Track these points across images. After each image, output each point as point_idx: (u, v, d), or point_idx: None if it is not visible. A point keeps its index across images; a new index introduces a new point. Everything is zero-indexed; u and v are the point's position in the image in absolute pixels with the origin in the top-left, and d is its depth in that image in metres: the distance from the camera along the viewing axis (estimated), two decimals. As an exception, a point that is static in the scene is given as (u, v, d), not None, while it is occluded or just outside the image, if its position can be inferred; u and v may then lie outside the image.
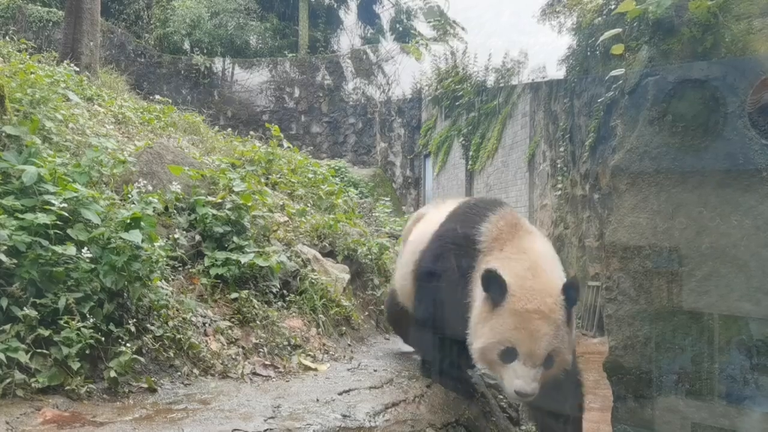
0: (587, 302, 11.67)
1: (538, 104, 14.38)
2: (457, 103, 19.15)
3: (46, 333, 3.50)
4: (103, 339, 3.71)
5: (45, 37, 21.53)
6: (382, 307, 6.52)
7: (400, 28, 25.86)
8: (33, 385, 3.40)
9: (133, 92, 14.84)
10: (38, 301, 3.58)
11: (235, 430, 3.30)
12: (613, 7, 11.17)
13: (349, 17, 30.36)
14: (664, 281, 3.66)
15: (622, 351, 3.90)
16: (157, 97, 10.37)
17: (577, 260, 12.34)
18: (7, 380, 3.32)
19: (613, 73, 4.73)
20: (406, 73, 24.55)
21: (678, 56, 3.80)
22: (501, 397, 5.26)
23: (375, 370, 4.86)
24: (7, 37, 8.92)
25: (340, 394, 4.14)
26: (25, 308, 3.49)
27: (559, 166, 12.97)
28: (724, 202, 3.46)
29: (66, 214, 3.83)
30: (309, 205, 7.47)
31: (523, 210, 14.84)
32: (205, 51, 25.70)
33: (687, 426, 3.64)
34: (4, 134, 4.15)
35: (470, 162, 18.14)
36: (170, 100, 10.28)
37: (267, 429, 3.39)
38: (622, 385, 3.95)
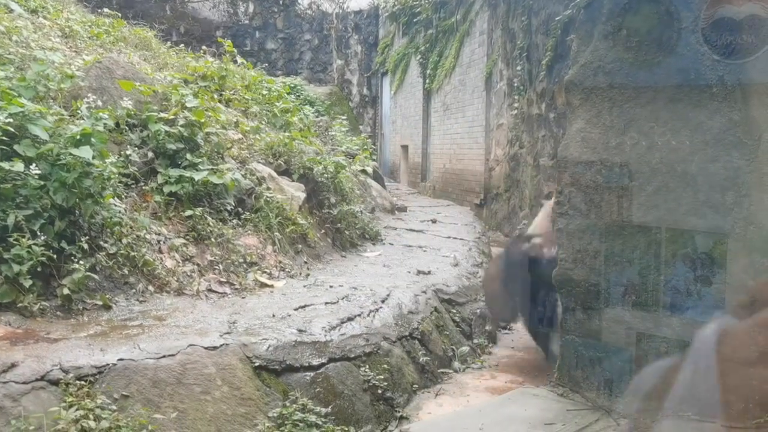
0: (541, 220, 11.83)
1: (496, 22, 14.22)
2: (415, 20, 18.83)
3: (-5, 250, 3.46)
4: (55, 257, 3.67)
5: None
6: (339, 225, 6.55)
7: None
8: (-17, 302, 3.37)
9: (80, 5, 14.34)
10: (-15, 218, 3.52)
11: (191, 345, 3.32)
12: None
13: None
14: (615, 196, 3.71)
15: (571, 264, 3.97)
16: (106, 10, 10.04)
17: (531, 179, 12.45)
18: (-44, 298, 3.29)
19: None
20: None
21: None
22: (455, 311, 5.37)
23: (331, 287, 4.91)
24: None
25: (296, 309, 4.18)
26: (-28, 225, 3.43)
27: (515, 85, 12.91)
28: (675, 117, 3.49)
29: (12, 130, 3.73)
30: (264, 122, 7.38)
31: (479, 129, 14.84)
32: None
33: (632, 335, 3.76)
34: (-57, 46, 3.99)
35: (428, 81, 17.99)
36: (120, 15, 9.97)
37: (223, 344, 3.42)
38: (571, 297, 4.03)
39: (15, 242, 3.49)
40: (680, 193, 3.50)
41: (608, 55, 3.72)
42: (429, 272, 5.79)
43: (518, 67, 12.74)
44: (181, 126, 5.08)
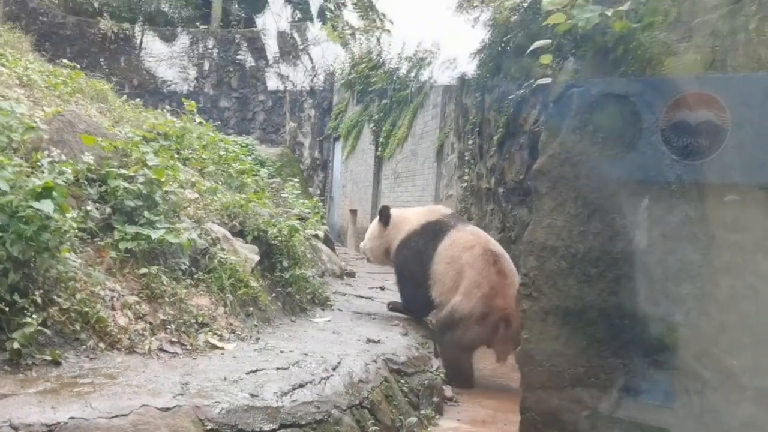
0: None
1: (450, 96, 14.58)
2: (369, 89, 19.19)
3: (-52, 301, 3.41)
4: (7, 309, 3.62)
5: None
6: (290, 289, 6.56)
7: (329, 16, 25.71)
8: (-68, 353, 3.30)
9: (37, 53, 14.29)
10: (-60, 267, 3.48)
11: (143, 405, 3.29)
12: (526, 5, 11.44)
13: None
14: (576, 281, 3.87)
15: (533, 344, 4.10)
16: (65, 61, 10.04)
17: (478, 251, 12.62)
18: None
19: (541, 81, 4.91)
20: (330, 60, 24.47)
21: (593, 65, 4.00)
22: (403, 381, 5.40)
23: (282, 352, 4.90)
24: None
25: (247, 373, 4.17)
26: (-74, 274, 3.38)
27: (466, 158, 13.19)
28: (636, 210, 3.69)
29: (-27, 180, 3.71)
30: (220, 182, 7.42)
31: (429, 199, 15.04)
32: (112, 15, 24.90)
33: (591, 416, 3.87)
34: None
35: (380, 148, 18.25)
36: (77, 65, 9.97)
37: (176, 405, 3.39)
38: (531, 376, 4.16)
39: (-32, 293, 3.44)
40: (639, 282, 3.67)
41: (575, 148, 3.92)
42: (379, 341, 5.83)
43: (470, 142, 13.04)
44: (141, 183, 5.09)
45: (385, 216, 8.06)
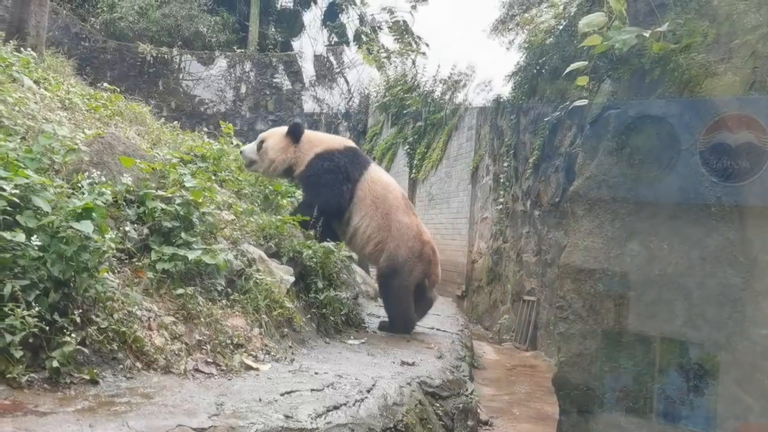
0: (522, 316, 11.88)
1: (485, 119, 14.59)
2: (404, 112, 19.28)
3: (-10, 320, 3.46)
4: (47, 328, 3.66)
5: (-14, 13, 20.96)
6: (325, 310, 6.58)
7: (364, 39, 25.94)
8: (-26, 371, 3.35)
9: (78, 77, 14.59)
10: (-17, 287, 3.53)
11: (179, 425, 3.30)
12: (561, 27, 11.43)
13: (312, 21, 30.54)
14: (613, 304, 3.83)
15: (569, 367, 4.05)
16: (105, 84, 10.23)
17: (513, 274, 12.56)
18: (-52, 366, 3.28)
19: (577, 103, 4.89)
20: (366, 83, 24.66)
21: (629, 87, 3.97)
22: (438, 405, 5.36)
23: (316, 373, 4.90)
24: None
25: (282, 394, 4.17)
26: (-31, 293, 3.44)
27: (501, 180, 13.17)
28: (674, 232, 3.64)
29: (16, 200, 3.77)
30: (256, 204, 7.47)
31: (464, 221, 15.01)
32: (152, 40, 25.32)
33: (626, 442, 3.82)
34: (-46, 115, 4.07)
35: (414, 170, 18.28)
36: (117, 89, 10.15)
37: (211, 426, 3.40)
38: (568, 399, 4.11)
39: (9, 312, 3.49)
40: (677, 305, 3.62)
41: (612, 170, 3.90)
42: (413, 363, 5.80)
43: (505, 164, 13.02)
44: (178, 204, 5.15)
45: (297, 132, 7.90)
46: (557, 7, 11.76)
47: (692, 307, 3.56)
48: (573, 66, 4.45)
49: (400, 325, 7.32)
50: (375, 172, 7.83)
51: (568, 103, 8.53)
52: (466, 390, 6.06)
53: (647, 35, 4.00)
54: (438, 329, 8.18)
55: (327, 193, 7.54)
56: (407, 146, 18.82)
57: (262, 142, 7.98)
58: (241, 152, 8.26)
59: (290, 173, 7.90)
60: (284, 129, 8.05)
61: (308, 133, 8.08)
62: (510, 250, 12.84)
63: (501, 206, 13.22)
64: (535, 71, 11.95)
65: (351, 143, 8.22)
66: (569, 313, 4.02)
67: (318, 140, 8.01)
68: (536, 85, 11.98)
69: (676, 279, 3.62)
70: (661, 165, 3.69)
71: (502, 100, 13.63)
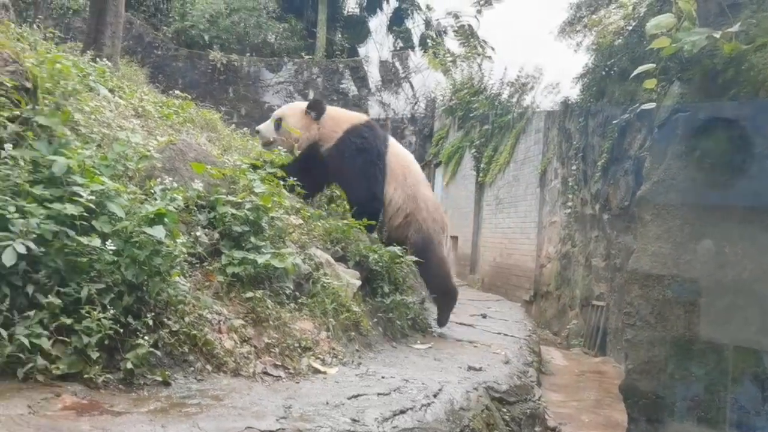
0: (591, 322, 11.70)
1: (552, 121, 14.44)
2: (471, 115, 19.19)
3: (68, 321, 3.57)
4: (121, 330, 3.77)
5: (65, 24, 21.68)
6: (391, 314, 6.60)
7: (430, 44, 25.96)
8: (53, 371, 3.47)
9: (151, 85, 14.97)
10: (62, 289, 3.66)
11: (248, 428, 3.36)
12: (630, 28, 11.24)
13: (378, 27, 30.76)
14: (683, 310, 3.74)
15: (638, 375, 3.98)
16: (177, 92, 10.47)
17: (582, 279, 12.39)
18: (29, 365, 3.40)
19: (645, 106, 4.80)
20: (431, 87, 24.69)
21: (700, 89, 3.88)
22: (505, 410, 5.33)
23: (383, 377, 4.92)
24: (34, 26, 9.00)
25: (349, 398, 4.20)
26: (49, 296, 3.57)
27: (570, 184, 13.01)
28: (745, 238, 3.54)
29: (92, 206, 3.89)
30: (323, 208, 7.55)
31: (532, 225, 14.87)
32: (222, 47, 25.80)
33: (697, 452, 3.72)
34: (36, 124, 4.22)
35: (481, 174, 18.18)
36: (188, 96, 10.39)
37: (279, 429, 3.45)
38: (636, 407, 4.03)
39: (86, 314, 3.61)
40: (750, 313, 3.52)
41: (680, 174, 3.81)
42: (480, 368, 5.78)
43: (573, 167, 12.85)
44: (248, 210, 5.24)
45: (320, 108, 7.81)
46: (626, 7, 11.57)
47: (766, 314, 3.46)
48: (640, 69, 4.36)
49: (449, 298, 7.53)
50: (394, 145, 8.02)
51: (637, 105, 8.38)
52: (534, 395, 6.01)
53: (718, 36, 3.90)
54: (505, 334, 8.13)
55: (370, 174, 7.61)
56: (474, 150, 18.73)
57: (279, 120, 7.89)
58: (257, 132, 8.21)
59: (314, 150, 7.69)
60: (303, 105, 7.98)
61: (329, 109, 8.05)
62: (579, 254, 12.67)
63: (569, 210, 13.06)
64: (603, 73, 11.77)
65: (367, 117, 8.41)
66: (637, 320, 3.95)
67: (339, 115, 7.99)
68: (605, 87, 11.80)
69: (750, 285, 3.52)
70: (732, 169, 3.59)
71: (570, 102, 13.47)
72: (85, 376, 3.57)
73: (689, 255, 3.76)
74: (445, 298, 7.55)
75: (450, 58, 22.15)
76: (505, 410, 5.33)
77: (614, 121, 11.00)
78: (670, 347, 3.80)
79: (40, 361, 3.44)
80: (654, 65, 4.32)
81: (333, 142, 7.62)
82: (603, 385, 8.37)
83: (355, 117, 8.08)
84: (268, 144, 7.96)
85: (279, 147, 7.54)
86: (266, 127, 7.97)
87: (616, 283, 8.60)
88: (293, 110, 8.03)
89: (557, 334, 13.19)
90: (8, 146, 3.88)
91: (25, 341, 3.39)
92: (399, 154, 7.93)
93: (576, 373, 9.59)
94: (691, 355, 3.76)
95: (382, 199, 7.58)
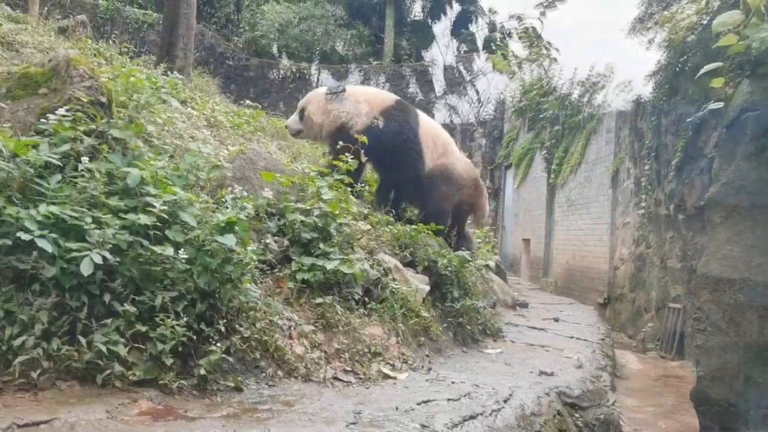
0: (667, 324, 11.44)
1: (624, 121, 14.17)
2: (541, 116, 18.99)
3: (143, 329, 3.67)
4: (194, 337, 3.86)
5: (140, 38, 22.32)
6: (461, 319, 6.57)
7: (494, 47, 25.84)
8: (130, 377, 3.57)
9: (222, 95, 15.26)
10: (137, 298, 3.76)
11: (318, 433, 3.40)
12: (704, 23, 10.95)
13: (442, 31, 30.82)
14: (756, 315, 3.62)
15: (709, 382, 3.87)
16: (247, 101, 10.66)
17: (658, 281, 12.12)
18: (107, 371, 3.51)
19: (712, 106, 4.68)
20: (497, 90, 24.58)
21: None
22: (578, 416, 5.25)
23: (453, 382, 4.91)
24: (110, 41, 9.29)
25: (418, 403, 4.20)
26: (125, 304, 3.67)
27: (643, 184, 12.75)
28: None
29: (165, 216, 3.99)
30: (391, 214, 7.58)
31: (604, 227, 14.63)
32: (291, 55, 26.15)
33: (775, 463, 3.59)
34: (110, 137, 4.35)
35: (552, 175, 17.97)
36: (259, 105, 10.56)
37: (349, 434, 3.48)
38: (708, 415, 3.92)
39: (161, 322, 3.70)
40: (829, 318, 3.39)
41: (751, 175, 3.70)
42: (552, 373, 5.71)
43: (646, 167, 12.60)
44: (317, 216, 5.31)
45: (338, 91, 8.01)
46: (699, 2, 11.27)
47: None
48: (707, 68, 4.25)
49: (433, 220, 7.59)
50: (423, 117, 8.41)
51: (710, 102, 8.15)
52: (608, 400, 5.90)
53: (787, 32, 3.77)
54: (578, 338, 8.01)
55: (409, 158, 7.91)
56: (545, 151, 18.52)
57: (302, 110, 8.07)
58: (286, 127, 8.56)
59: (343, 134, 7.62)
60: (323, 91, 8.19)
61: (351, 90, 8.21)
62: (653, 255, 12.40)
63: (643, 211, 12.79)
64: (676, 70, 11.50)
65: (395, 96, 8.59)
66: (707, 325, 3.84)
67: (361, 95, 8.18)
68: (678, 85, 11.52)
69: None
70: (805, 169, 3.47)
71: (642, 100, 13.20)
72: (160, 382, 3.67)
73: (761, 258, 3.63)
74: (429, 218, 7.80)
75: (515, 62, 21.97)
76: (577, 415, 5.25)
77: (688, 119, 10.73)
78: (744, 353, 3.68)
79: (118, 368, 3.54)
80: (720, 64, 4.21)
81: (361, 126, 7.77)
82: (681, 389, 8.16)
83: (384, 98, 8.30)
84: (296, 134, 8.31)
85: (308, 136, 8.18)
86: (292, 119, 8.29)
87: (692, 284, 8.37)
88: (314, 97, 8.22)
89: (632, 337, 12.93)
90: (85, 159, 4.01)
91: (103, 348, 3.50)
92: (430, 123, 8.54)
93: (652, 377, 9.39)
94: (766, 361, 3.63)
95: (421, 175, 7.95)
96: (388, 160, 7.82)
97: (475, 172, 8.77)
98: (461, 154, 8.84)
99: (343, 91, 7.98)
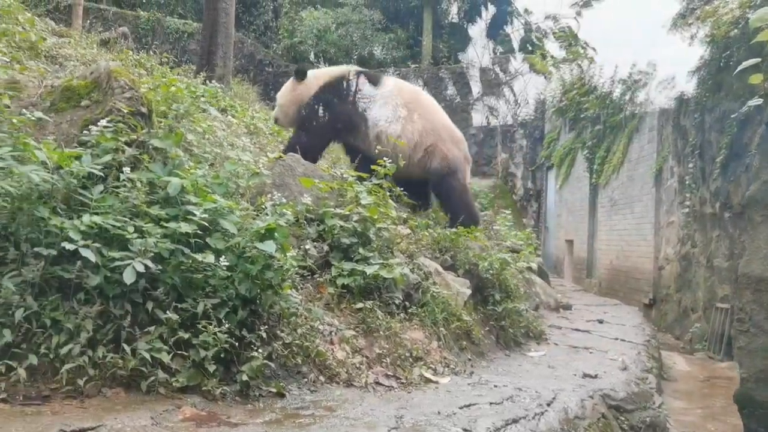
0: (715, 325, 11.24)
1: (666, 119, 13.97)
2: (582, 116, 18.79)
3: (186, 336, 3.72)
4: (236, 344, 3.89)
5: (180, 47, 22.60)
6: (503, 322, 6.53)
7: (530, 48, 25.69)
8: (173, 384, 3.62)
9: (262, 102, 15.40)
10: (179, 305, 3.81)
11: (360, 438, 3.40)
12: (748, 17, 10.76)
13: (478, 33, 30.74)
14: (802, 316, 3.55)
15: (753, 384, 3.80)
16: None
17: (704, 281, 11.91)
18: (151, 378, 3.56)
19: (751, 103, 4.60)
20: (534, 91, 24.45)
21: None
22: (623, 419, 5.19)
23: (495, 386, 4.88)
24: (150, 51, 9.43)
25: (460, 408, 4.18)
26: (167, 312, 3.72)
27: (687, 182, 12.55)
28: None
29: (205, 224, 4.04)
30: (430, 218, 7.57)
31: (648, 227, 14.43)
32: (330, 61, 26.26)
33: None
34: (151, 147, 4.41)
35: (594, 175, 17.78)
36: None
37: (390, 439, 3.48)
38: (753, 418, 3.85)
39: (203, 329, 3.74)
40: None
41: (793, 173, 3.63)
42: (596, 376, 5.65)
43: (690, 165, 12.42)
44: (356, 221, 5.32)
45: (300, 73, 8.06)
46: (742, -5, 11.08)
47: None
48: (745, 64, 4.17)
49: (468, 220, 7.57)
50: (394, 80, 8.48)
51: (755, 98, 8.02)
52: (654, 403, 5.82)
53: (827, 27, 3.68)
54: (623, 339, 7.90)
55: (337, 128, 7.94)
56: (586, 150, 18.33)
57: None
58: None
59: (300, 112, 7.91)
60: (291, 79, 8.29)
61: (315, 71, 8.35)
62: (700, 255, 12.19)
63: (688, 209, 12.59)
64: (720, 65, 11.31)
65: (352, 68, 8.49)
66: (750, 326, 3.78)
67: (321, 73, 8.30)
68: (722, 81, 11.33)
69: None
70: None
71: (685, 98, 13.00)
72: (204, 388, 3.71)
73: (805, 257, 3.56)
74: (463, 221, 7.55)
75: (551, 63, 21.80)
76: (622, 419, 5.19)
77: (732, 116, 10.54)
78: (789, 355, 3.61)
79: (161, 375, 3.59)
80: (759, 60, 4.12)
81: (306, 101, 7.89)
82: (729, 391, 8.00)
83: (334, 71, 8.38)
84: (276, 122, 8.42)
85: (284, 123, 8.21)
86: (273, 113, 8.42)
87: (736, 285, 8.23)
88: (286, 84, 8.36)
89: (679, 338, 12.73)
90: (126, 169, 4.07)
91: (147, 355, 3.55)
92: (403, 93, 8.19)
93: (700, 379, 9.22)
94: (814, 363, 3.56)
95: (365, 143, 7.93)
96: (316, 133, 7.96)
97: (465, 147, 8.49)
98: (452, 124, 8.57)
99: (305, 70, 8.16)
